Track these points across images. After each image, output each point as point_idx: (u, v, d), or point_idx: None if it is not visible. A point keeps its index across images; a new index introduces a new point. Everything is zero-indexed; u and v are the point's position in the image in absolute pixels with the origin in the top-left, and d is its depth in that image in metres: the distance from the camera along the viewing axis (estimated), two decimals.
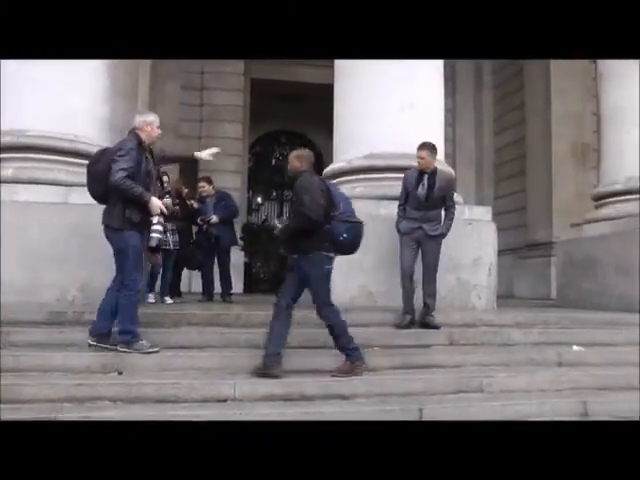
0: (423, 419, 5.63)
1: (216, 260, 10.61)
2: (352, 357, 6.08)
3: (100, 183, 6.19)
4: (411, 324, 7.45)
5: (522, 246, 17.70)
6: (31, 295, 7.09)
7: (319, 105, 13.22)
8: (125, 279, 6.13)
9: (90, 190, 6.35)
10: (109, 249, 6.55)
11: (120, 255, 6.17)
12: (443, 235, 7.57)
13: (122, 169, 5.99)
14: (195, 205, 10.40)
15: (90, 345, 6.19)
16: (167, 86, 16.77)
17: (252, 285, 18.96)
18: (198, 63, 17.25)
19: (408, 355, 6.80)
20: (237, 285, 12.93)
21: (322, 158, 20.53)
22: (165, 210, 6.25)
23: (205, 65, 17.54)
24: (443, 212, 7.66)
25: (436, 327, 7.44)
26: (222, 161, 17.06)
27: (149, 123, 6.36)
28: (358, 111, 8.84)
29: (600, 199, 10.98)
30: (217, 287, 10.65)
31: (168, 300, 9.43)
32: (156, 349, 6.19)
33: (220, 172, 16.55)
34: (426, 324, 7.48)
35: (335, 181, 9.06)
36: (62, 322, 6.68)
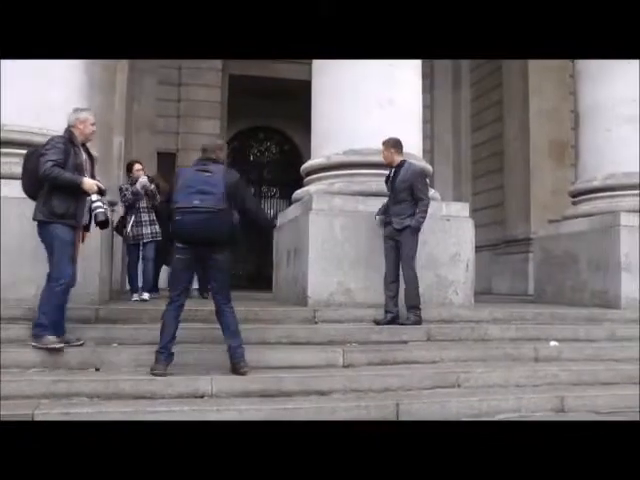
0: (400, 415, 5.65)
1: None
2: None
3: (30, 179, 6.22)
4: (391, 322, 7.44)
5: (500, 242, 17.76)
6: (9, 291, 7.01)
7: (297, 101, 13.21)
8: (52, 272, 6.10)
9: (22, 186, 6.37)
10: (86, 243, 6.52)
11: (48, 248, 6.15)
12: (413, 228, 7.48)
13: (49, 160, 5.99)
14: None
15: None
16: (145, 81, 16.69)
17: (230, 281, 18.90)
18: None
19: (385, 351, 6.82)
20: None
21: (301, 154, 20.61)
22: (102, 187, 6.24)
23: (183, 61, 17.48)
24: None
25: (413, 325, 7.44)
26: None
27: (82, 120, 6.36)
28: (336, 107, 8.83)
29: (578, 196, 11.02)
30: (194, 283, 10.61)
31: (145, 296, 9.30)
32: (61, 345, 6.06)
33: None
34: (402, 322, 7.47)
35: (314, 177, 9.07)
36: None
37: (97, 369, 5.91)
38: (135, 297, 9.15)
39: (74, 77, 8.00)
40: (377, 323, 7.46)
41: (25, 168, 6.32)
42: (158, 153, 16.75)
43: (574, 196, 11.20)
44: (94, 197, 6.15)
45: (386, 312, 7.51)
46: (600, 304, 9.49)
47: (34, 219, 6.18)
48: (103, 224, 6.31)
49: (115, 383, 5.61)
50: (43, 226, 6.13)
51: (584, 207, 10.67)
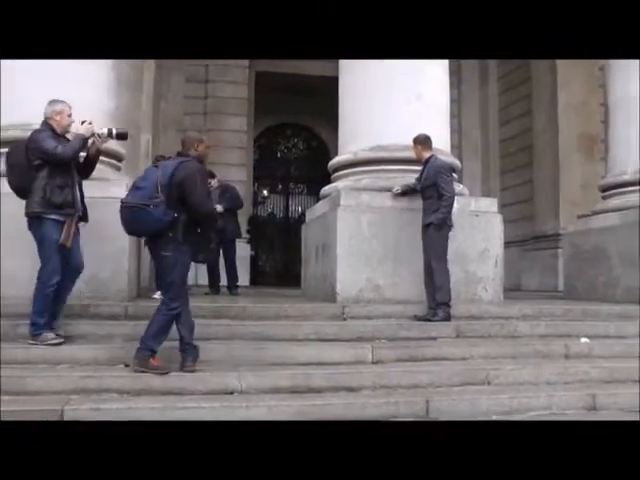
0: (429, 411, 5.64)
1: (221, 252, 10.59)
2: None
3: (19, 174, 6.25)
4: (434, 316, 7.41)
5: (529, 238, 17.63)
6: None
7: (325, 98, 13.20)
8: (40, 270, 6.15)
9: (9, 183, 6.40)
10: (115, 242, 6.53)
11: (38, 245, 6.19)
12: (435, 225, 7.46)
13: (57, 146, 6.07)
14: None
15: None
16: (172, 79, 16.75)
17: (258, 278, 18.98)
18: None
19: (415, 347, 6.80)
20: (243, 278, 12.91)
21: (328, 150, 20.58)
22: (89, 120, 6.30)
23: None
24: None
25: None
26: (227, 154, 17.08)
27: (58, 112, 6.36)
28: (363, 104, 8.79)
29: (607, 190, 10.93)
30: (223, 280, 10.64)
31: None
32: (60, 340, 6.12)
33: (225, 165, 16.52)
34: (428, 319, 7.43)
35: (342, 173, 9.05)
36: (69, 315, 6.68)
37: (126, 365, 5.92)
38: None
39: (101, 75, 8.04)
40: (418, 319, 7.45)
41: (12, 164, 6.33)
42: None
43: (604, 190, 11.10)
44: (98, 130, 6.27)
45: (429, 308, 7.52)
46: (630, 300, 9.37)
47: (27, 212, 6.19)
48: (125, 136, 6.38)
49: (144, 379, 5.62)
50: (35, 221, 6.16)
51: (614, 201, 10.56)
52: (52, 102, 6.42)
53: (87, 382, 5.56)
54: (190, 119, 17.24)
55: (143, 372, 5.64)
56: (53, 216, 6.12)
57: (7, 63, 7.75)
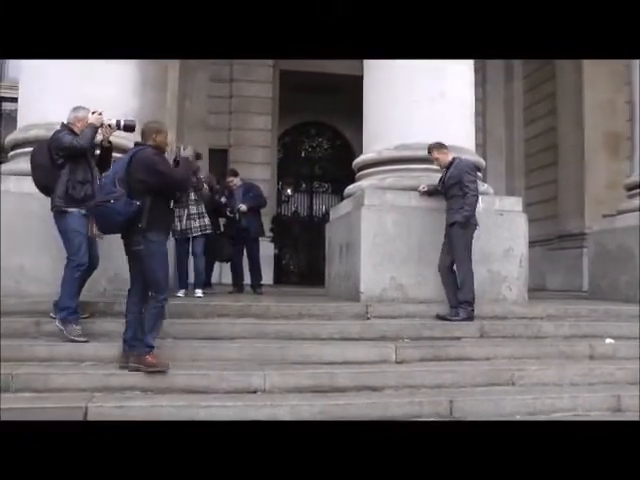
0: (453, 411, 5.63)
1: (245, 251, 10.60)
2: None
3: (44, 172, 6.43)
4: (455, 316, 7.39)
5: (553, 237, 17.50)
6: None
7: (349, 96, 13.18)
8: (70, 257, 6.30)
9: (35, 182, 6.59)
10: None
11: (63, 237, 6.36)
12: (460, 223, 7.44)
13: (73, 139, 6.27)
14: (223, 199, 10.37)
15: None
16: (196, 78, 16.77)
17: (282, 277, 19.00)
18: None
19: (438, 347, 6.79)
20: (267, 277, 12.92)
21: (352, 150, 20.57)
22: (99, 110, 6.41)
23: None
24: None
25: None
26: (251, 153, 17.11)
27: (80, 119, 6.52)
28: (388, 102, 8.77)
29: (633, 189, 10.82)
30: (247, 278, 10.65)
31: (199, 293, 9.14)
32: (84, 339, 6.17)
33: (249, 164, 16.56)
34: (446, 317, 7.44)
35: (366, 172, 9.04)
36: (93, 313, 6.74)
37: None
38: (180, 293, 8.97)
39: (125, 73, 8.11)
40: (440, 318, 7.44)
41: (36, 164, 6.54)
42: (210, 150, 16.81)
43: (629, 189, 10.99)
44: (108, 122, 6.36)
45: (451, 307, 7.50)
46: None
47: (52, 208, 6.37)
48: (133, 127, 6.43)
49: (168, 377, 5.66)
50: (61, 215, 6.35)
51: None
52: (76, 109, 6.60)
53: (111, 380, 5.62)
54: (215, 118, 17.29)
55: (137, 370, 5.66)
56: (75, 209, 6.31)
57: (30, 62, 7.84)
